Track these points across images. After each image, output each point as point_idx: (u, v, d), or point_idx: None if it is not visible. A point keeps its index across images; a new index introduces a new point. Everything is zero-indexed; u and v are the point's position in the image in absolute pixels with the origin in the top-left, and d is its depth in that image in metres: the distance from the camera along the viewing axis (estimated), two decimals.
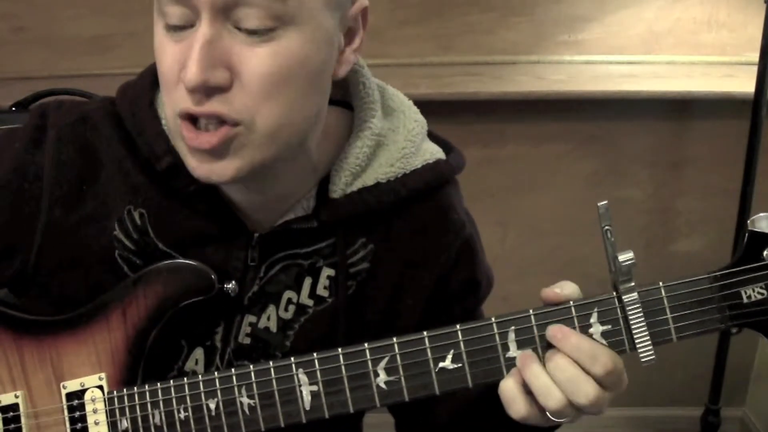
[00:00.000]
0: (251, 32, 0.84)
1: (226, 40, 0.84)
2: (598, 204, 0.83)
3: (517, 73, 2.32)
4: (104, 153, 1.00)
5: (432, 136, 1.08)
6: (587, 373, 0.82)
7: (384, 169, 1.00)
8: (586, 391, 0.82)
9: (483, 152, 2.38)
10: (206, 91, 0.84)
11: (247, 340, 1.01)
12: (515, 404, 0.84)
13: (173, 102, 0.88)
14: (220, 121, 0.86)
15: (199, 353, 1.02)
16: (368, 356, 0.87)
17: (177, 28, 0.85)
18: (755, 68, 2.05)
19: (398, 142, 1.02)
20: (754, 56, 2.05)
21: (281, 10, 0.83)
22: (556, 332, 0.84)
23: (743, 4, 2.31)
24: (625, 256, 0.83)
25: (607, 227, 0.83)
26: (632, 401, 2.60)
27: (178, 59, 0.85)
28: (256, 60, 0.84)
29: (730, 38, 2.36)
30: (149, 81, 1.02)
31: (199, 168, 0.89)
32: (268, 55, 0.84)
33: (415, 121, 1.04)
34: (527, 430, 0.89)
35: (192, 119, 0.87)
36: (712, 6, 2.33)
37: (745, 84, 2.15)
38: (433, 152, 1.05)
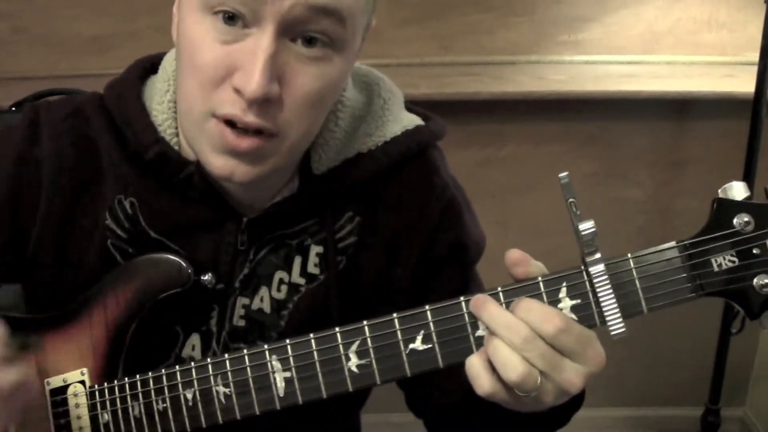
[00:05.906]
0: (309, 51, 0.86)
1: (284, 54, 0.85)
2: (560, 175, 0.81)
3: (517, 73, 2.32)
4: (99, 143, 1.02)
5: (410, 109, 1.09)
6: (539, 334, 0.79)
7: (363, 139, 1.02)
8: (541, 349, 0.79)
9: (483, 152, 2.38)
10: (261, 102, 0.85)
11: (242, 323, 1.03)
12: (479, 380, 0.82)
13: (210, 103, 0.87)
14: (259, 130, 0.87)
15: (195, 339, 1.03)
16: (339, 340, 0.86)
17: (228, 19, 0.84)
18: (755, 68, 2.04)
19: (375, 113, 1.04)
20: (754, 56, 2.05)
21: (339, 36, 0.86)
22: (516, 302, 0.82)
23: (743, 4, 2.31)
24: (585, 225, 0.81)
25: (571, 200, 0.81)
26: (632, 401, 2.59)
27: (226, 62, 0.85)
28: (306, 79, 0.87)
29: (730, 38, 2.35)
30: (136, 75, 1.04)
31: (224, 167, 0.90)
32: (316, 76, 0.87)
33: (389, 91, 1.06)
34: (528, 415, 0.87)
35: (231, 123, 0.88)
36: (712, 6, 2.33)
37: (745, 84, 2.15)
38: (412, 120, 1.07)
